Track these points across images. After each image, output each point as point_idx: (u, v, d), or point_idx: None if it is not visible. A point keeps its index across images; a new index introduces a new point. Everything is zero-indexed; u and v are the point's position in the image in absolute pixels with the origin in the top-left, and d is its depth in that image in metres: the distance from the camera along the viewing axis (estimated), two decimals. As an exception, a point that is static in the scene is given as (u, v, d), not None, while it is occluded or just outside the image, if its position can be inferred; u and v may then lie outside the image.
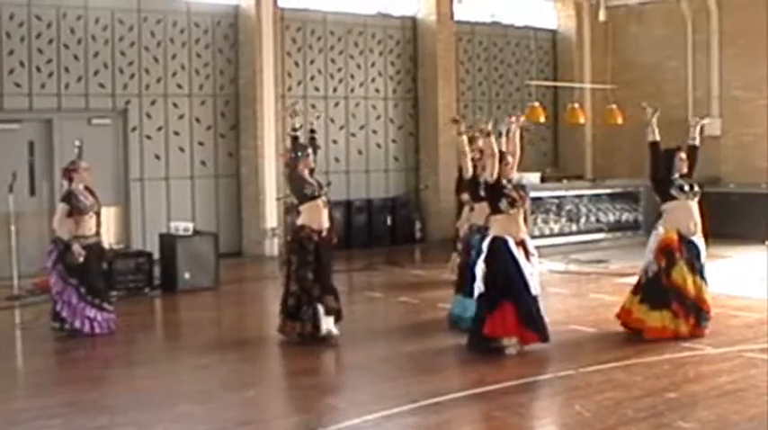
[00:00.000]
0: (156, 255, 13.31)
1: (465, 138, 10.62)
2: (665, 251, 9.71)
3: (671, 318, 9.61)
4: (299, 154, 9.81)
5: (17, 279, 12.37)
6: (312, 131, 10.45)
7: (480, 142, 9.85)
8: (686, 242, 9.75)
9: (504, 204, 9.12)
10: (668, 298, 9.61)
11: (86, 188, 10.42)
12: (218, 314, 12.32)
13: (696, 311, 9.69)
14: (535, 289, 9.16)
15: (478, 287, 9.17)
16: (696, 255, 9.81)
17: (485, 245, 9.23)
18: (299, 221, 9.81)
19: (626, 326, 9.92)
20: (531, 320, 9.06)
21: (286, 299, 9.76)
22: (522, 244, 9.20)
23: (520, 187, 9.60)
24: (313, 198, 9.74)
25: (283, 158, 10.34)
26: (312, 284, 9.66)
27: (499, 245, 9.10)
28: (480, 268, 9.17)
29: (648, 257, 9.87)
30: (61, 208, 10.28)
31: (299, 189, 9.82)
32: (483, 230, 9.73)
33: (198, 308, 12.26)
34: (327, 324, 9.70)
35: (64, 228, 10.18)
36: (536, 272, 9.34)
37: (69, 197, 10.26)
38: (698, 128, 10.11)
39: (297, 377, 8.80)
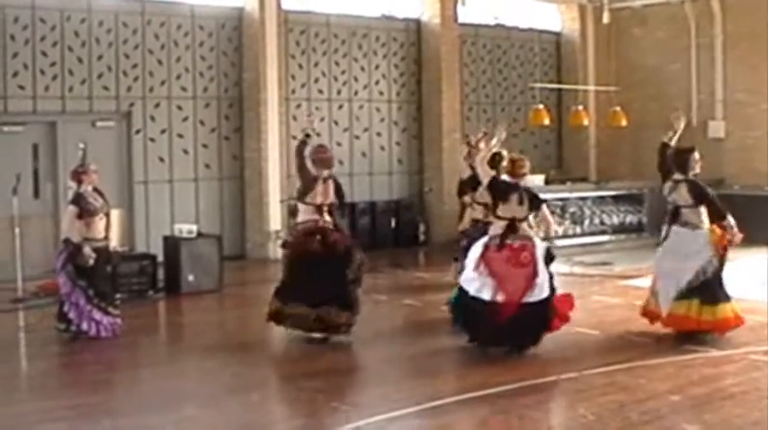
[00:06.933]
0: (160, 258, 13.30)
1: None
2: (724, 246, 9.78)
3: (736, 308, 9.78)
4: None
5: (21, 282, 12.38)
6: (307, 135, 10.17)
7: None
8: None
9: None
10: (727, 292, 9.76)
11: (95, 190, 10.39)
12: (221, 317, 12.33)
13: None
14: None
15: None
16: None
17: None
18: (299, 219, 9.97)
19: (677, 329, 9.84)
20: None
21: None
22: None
23: (526, 191, 9.46)
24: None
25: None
26: None
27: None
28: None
29: (705, 257, 9.68)
30: (70, 210, 10.18)
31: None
32: (484, 225, 9.84)
33: (201, 310, 12.27)
34: None
35: (74, 231, 10.11)
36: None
37: (78, 199, 10.19)
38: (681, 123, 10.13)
39: (300, 380, 8.78)
